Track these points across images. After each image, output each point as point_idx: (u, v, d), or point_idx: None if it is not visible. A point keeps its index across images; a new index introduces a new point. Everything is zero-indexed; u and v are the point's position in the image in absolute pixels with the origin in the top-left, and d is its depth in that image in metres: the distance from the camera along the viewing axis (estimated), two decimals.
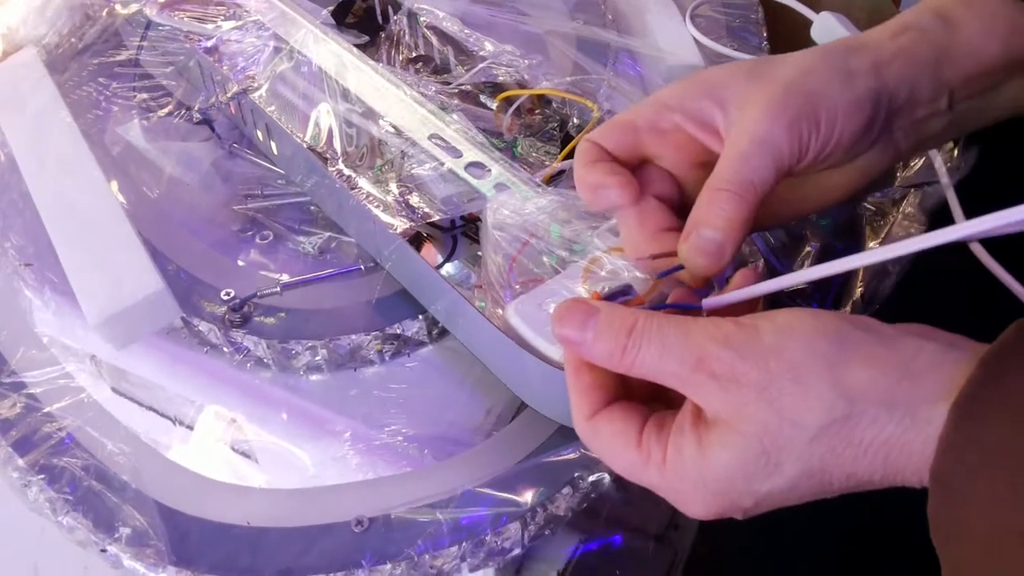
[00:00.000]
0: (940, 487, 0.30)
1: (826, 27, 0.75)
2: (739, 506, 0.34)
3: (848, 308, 0.56)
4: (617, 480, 0.49)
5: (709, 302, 0.38)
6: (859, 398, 0.31)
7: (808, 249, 0.58)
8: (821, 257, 0.59)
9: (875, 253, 0.34)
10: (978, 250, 0.53)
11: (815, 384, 0.31)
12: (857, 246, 0.59)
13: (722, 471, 0.33)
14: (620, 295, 0.45)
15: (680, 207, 0.42)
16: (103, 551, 0.47)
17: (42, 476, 0.49)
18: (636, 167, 0.42)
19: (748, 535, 0.68)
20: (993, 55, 0.41)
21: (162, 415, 0.55)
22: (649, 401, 0.37)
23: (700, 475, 0.33)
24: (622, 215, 0.42)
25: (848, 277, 0.57)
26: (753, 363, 0.32)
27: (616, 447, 0.36)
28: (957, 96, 0.41)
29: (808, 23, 0.77)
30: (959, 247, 0.54)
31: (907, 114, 0.41)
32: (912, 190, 0.60)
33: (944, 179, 0.58)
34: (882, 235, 0.59)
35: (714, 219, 0.37)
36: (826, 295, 0.56)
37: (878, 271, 0.57)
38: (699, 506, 0.34)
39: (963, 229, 0.32)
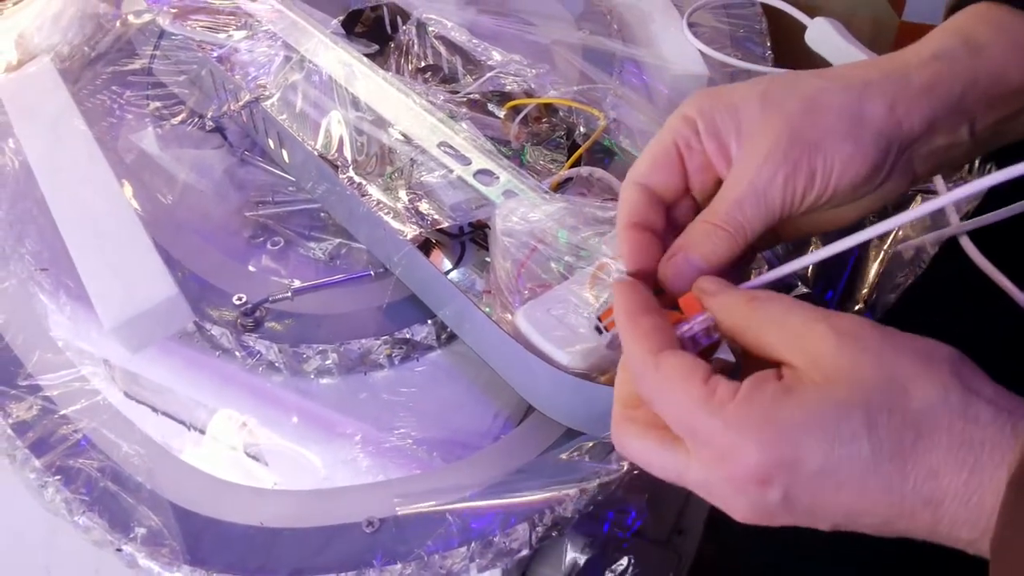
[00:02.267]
0: (999, 560, 0.29)
1: (821, 33, 0.76)
2: (800, 465, 0.31)
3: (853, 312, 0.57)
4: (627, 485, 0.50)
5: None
6: (977, 392, 0.31)
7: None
8: (824, 262, 0.59)
9: (881, 226, 0.34)
10: (977, 256, 0.54)
11: (938, 367, 0.31)
12: (862, 249, 0.60)
13: (805, 414, 0.31)
14: None
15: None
16: (119, 550, 0.48)
17: (58, 477, 0.50)
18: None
19: (752, 541, 0.68)
20: (1018, 81, 0.40)
21: (174, 419, 0.56)
22: None
23: (773, 413, 0.31)
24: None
25: (852, 282, 0.57)
26: (878, 332, 0.32)
27: (677, 380, 0.33)
28: (979, 125, 0.41)
29: (803, 28, 0.77)
30: (959, 255, 0.55)
31: (925, 144, 0.40)
32: (919, 196, 0.61)
33: (941, 189, 0.59)
34: (887, 241, 0.59)
35: (704, 247, 0.38)
36: (835, 288, 0.57)
37: (882, 281, 0.58)
38: (754, 452, 0.31)
39: (947, 198, 0.32)
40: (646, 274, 0.39)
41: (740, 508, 0.33)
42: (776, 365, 0.34)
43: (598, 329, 0.38)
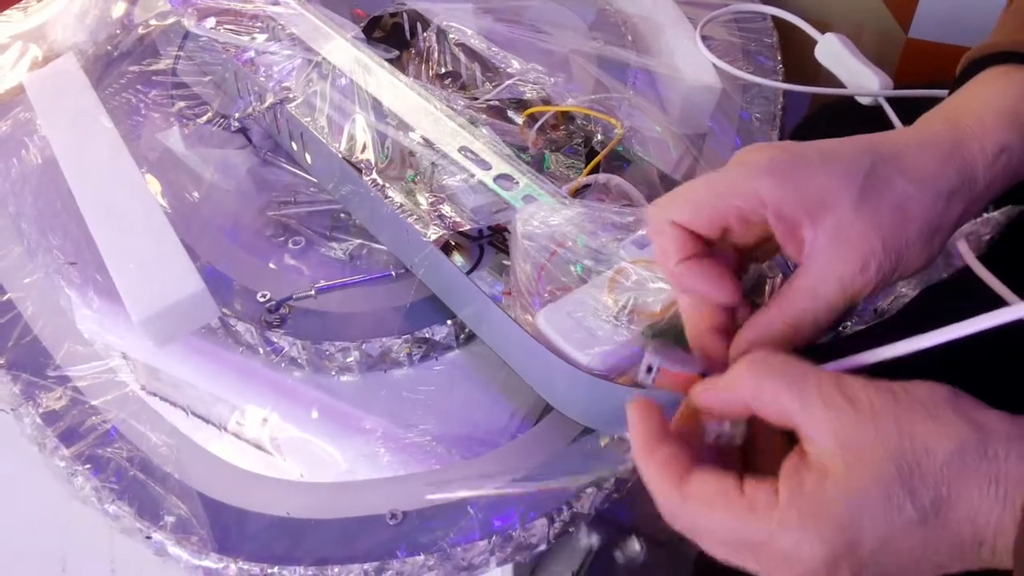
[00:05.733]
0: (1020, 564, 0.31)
1: (830, 48, 0.78)
2: (861, 546, 0.32)
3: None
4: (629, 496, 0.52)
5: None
6: (986, 428, 0.32)
7: None
8: None
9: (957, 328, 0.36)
10: (970, 258, 0.55)
11: (945, 415, 0.33)
12: None
13: (852, 497, 0.32)
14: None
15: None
16: (148, 538, 0.49)
17: (88, 466, 0.51)
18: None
19: None
20: None
21: (195, 415, 0.57)
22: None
23: (823, 508, 0.32)
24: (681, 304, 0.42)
25: None
26: (886, 394, 0.33)
27: (712, 503, 0.34)
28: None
29: (813, 42, 0.79)
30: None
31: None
32: None
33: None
34: None
35: (783, 345, 0.39)
36: None
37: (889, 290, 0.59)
38: (816, 546, 0.32)
39: None
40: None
41: None
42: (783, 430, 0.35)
43: (648, 372, 0.40)
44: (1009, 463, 0.32)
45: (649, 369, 0.40)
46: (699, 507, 0.35)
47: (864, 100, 0.75)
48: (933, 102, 0.46)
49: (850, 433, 0.33)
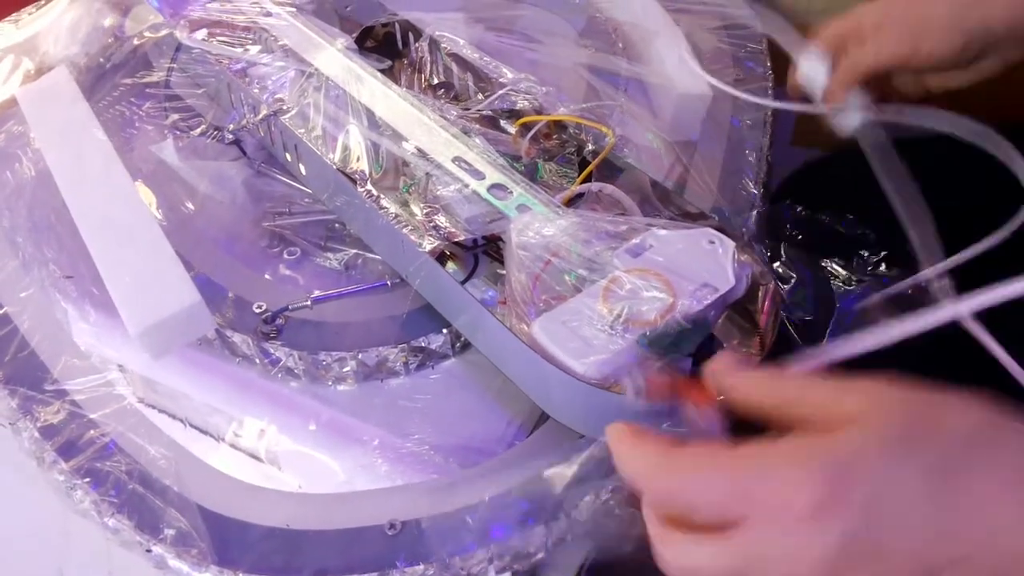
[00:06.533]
0: None
1: (810, 70, 0.77)
2: (852, 493, 0.30)
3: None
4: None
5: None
6: (1013, 425, 0.32)
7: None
8: (815, 287, 0.61)
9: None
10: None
11: (964, 403, 0.32)
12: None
13: (853, 444, 0.31)
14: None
15: None
16: (148, 551, 0.49)
17: (87, 480, 0.52)
18: None
19: None
20: None
21: (193, 427, 0.57)
22: None
23: (817, 449, 0.31)
24: None
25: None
26: (903, 387, 0.33)
27: (705, 459, 0.34)
28: None
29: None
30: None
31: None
32: None
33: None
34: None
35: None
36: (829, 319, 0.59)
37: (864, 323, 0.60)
38: (806, 482, 0.31)
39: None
40: None
41: (803, 563, 0.31)
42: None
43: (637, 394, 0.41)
44: None
45: (637, 391, 0.41)
46: (690, 464, 0.34)
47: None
48: None
49: (859, 402, 0.33)
